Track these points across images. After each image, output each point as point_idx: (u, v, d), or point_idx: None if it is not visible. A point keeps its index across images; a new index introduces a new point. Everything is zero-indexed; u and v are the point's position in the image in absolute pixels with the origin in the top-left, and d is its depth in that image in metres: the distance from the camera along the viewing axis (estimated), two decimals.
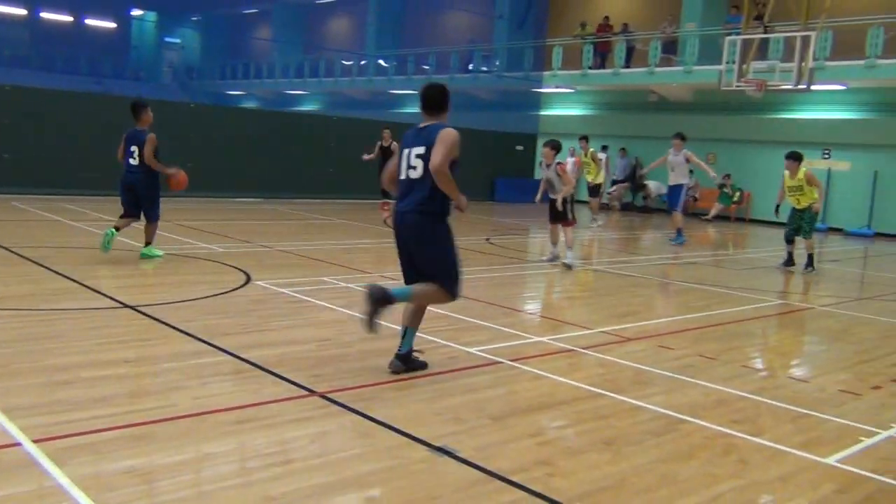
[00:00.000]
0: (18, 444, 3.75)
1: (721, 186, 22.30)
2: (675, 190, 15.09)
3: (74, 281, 7.85)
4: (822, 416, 4.98)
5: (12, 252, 9.34)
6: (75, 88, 22.80)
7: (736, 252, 16.16)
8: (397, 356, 5.39)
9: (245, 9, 44.01)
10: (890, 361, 6.66)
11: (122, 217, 9.57)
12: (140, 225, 9.73)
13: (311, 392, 4.82)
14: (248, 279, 8.51)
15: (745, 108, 21.90)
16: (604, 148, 22.18)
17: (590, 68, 24.93)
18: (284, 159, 20.12)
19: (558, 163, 10.90)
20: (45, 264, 8.62)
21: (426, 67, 31.40)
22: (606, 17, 26.20)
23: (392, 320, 6.91)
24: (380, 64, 33.90)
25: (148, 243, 9.57)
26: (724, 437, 4.49)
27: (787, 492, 3.81)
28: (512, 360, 5.84)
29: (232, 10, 44.04)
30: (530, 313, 8.18)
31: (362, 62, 34.70)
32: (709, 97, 22.45)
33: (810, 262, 12.13)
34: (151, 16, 45.76)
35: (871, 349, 7.12)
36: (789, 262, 12.28)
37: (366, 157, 17.72)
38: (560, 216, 11.05)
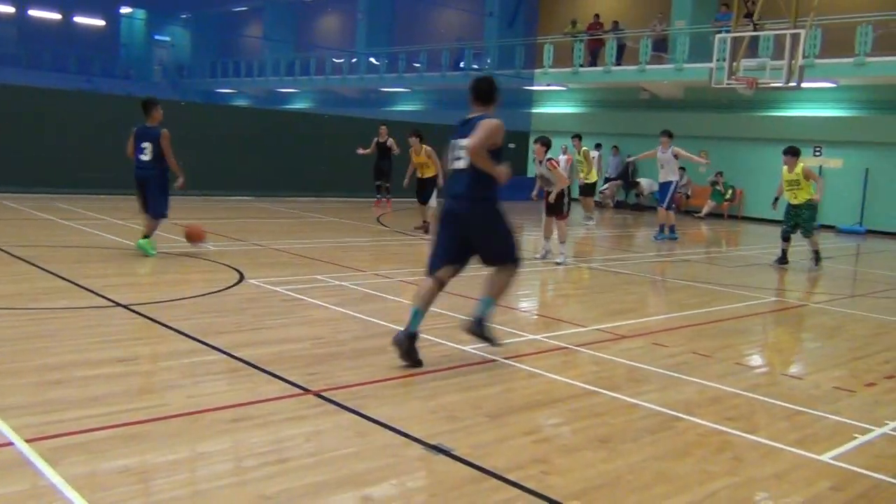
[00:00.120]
0: (11, 444, 3.73)
1: (713, 184, 22.37)
2: (664, 187, 15.29)
3: (67, 280, 7.80)
4: (816, 413, 4.99)
5: (4, 251, 9.28)
6: (65, 87, 22.71)
7: (729, 249, 16.20)
8: (472, 317, 5.76)
9: (235, 6, 43.86)
10: (883, 358, 6.68)
11: (142, 212, 9.74)
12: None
13: (306, 390, 4.81)
14: (242, 277, 8.48)
15: (737, 106, 21.95)
16: (597, 146, 22.20)
17: (581, 66, 24.96)
18: (276, 157, 20.06)
19: (549, 159, 10.93)
20: (37, 263, 8.57)
21: (417, 65, 31.37)
22: (597, 15, 26.22)
23: (387, 318, 6.90)
24: (371, 62, 33.84)
25: (146, 236, 9.56)
26: (718, 434, 4.50)
27: (782, 489, 3.81)
28: (507, 358, 5.83)
29: (222, 7, 43.87)
30: (525, 311, 8.18)
31: (353, 60, 34.63)
32: (700, 95, 22.49)
33: (817, 259, 12.20)
34: (141, 13, 45.52)
35: (865, 346, 7.14)
36: (783, 259, 12.31)
37: (361, 150, 17.70)
38: (554, 209, 11.12)
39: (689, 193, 23.31)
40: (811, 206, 12.16)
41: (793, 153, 12.08)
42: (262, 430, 4.12)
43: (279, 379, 5.00)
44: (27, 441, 3.76)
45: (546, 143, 11.01)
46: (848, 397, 5.40)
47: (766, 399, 5.22)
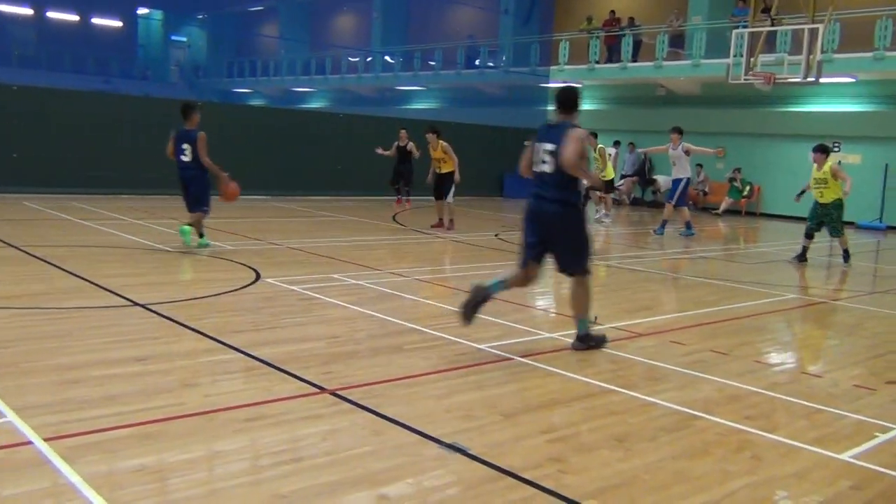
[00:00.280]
0: (30, 443, 3.75)
1: (731, 180, 22.21)
2: (674, 184, 15.21)
3: (85, 280, 7.86)
4: (836, 411, 4.93)
5: (23, 251, 9.36)
6: (83, 88, 22.86)
7: (747, 246, 16.08)
8: (577, 338, 6.10)
9: (251, 6, 44.04)
10: None
11: (188, 210, 10.32)
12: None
13: (322, 389, 4.81)
14: (258, 276, 8.51)
15: (754, 102, 21.79)
16: (615, 143, 22.09)
17: (597, 63, 24.85)
18: (292, 156, 20.11)
19: None
20: (55, 263, 8.64)
21: (432, 63, 31.36)
22: (613, 11, 26.09)
23: (403, 317, 6.90)
24: (386, 60, 33.88)
25: (191, 224, 10.17)
26: (737, 433, 4.46)
27: (802, 488, 3.77)
28: (523, 357, 5.81)
29: (238, 7, 44.08)
30: (541, 309, 8.16)
31: (368, 59, 34.68)
32: (717, 91, 22.33)
33: (846, 257, 12.10)
34: (158, 14, 45.82)
35: (885, 343, 7.06)
36: (802, 256, 12.18)
37: (380, 151, 17.70)
38: None
39: (706, 190, 23.18)
40: (839, 206, 11.97)
41: (822, 150, 11.88)
42: (277, 429, 4.13)
43: (295, 378, 5.01)
44: (45, 440, 3.78)
45: None
46: (868, 395, 5.34)
47: (785, 397, 5.17)
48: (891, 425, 4.69)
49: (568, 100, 6.00)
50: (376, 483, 3.56)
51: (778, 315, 8.38)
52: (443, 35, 32.91)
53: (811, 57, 15.49)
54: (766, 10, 16.83)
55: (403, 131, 17.57)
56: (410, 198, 18.22)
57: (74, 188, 16.53)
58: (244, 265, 9.17)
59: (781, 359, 6.64)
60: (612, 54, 24.87)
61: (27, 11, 38.70)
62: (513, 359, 5.76)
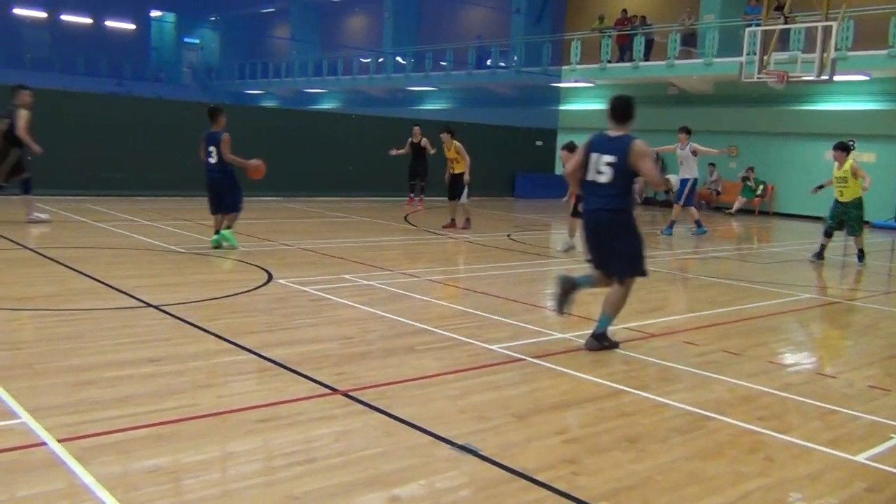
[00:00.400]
0: (44, 444, 3.78)
1: (744, 180, 22.10)
2: (682, 183, 15.17)
3: (98, 281, 7.90)
4: (850, 412, 4.90)
5: (37, 253, 9.43)
6: (96, 90, 22.98)
7: (760, 246, 16.00)
8: (593, 335, 6.13)
9: (263, 8, 44.21)
10: None
11: (213, 214, 10.58)
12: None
13: (335, 390, 4.82)
14: (270, 277, 8.54)
15: (768, 100, 21.66)
16: None
17: (609, 62, 24.78)
18: (304, 157, 20.13)
19: None
20: (69, 264, 8.69)
21: (444, 64, 31.37)
22: (625, 10, 26.03)
23: (414, 318, 6.90)
24: (397, 61, 33.92)
25: (228, 227, 10.43)
26: (750, 434, 4.43)
27: (816, 490, 3.75)
28: (535, 358, 5.80)
29: (250, 9, 44.27)
30: (553, 309, 8.12)
31: (380, 59, 34.74)
32: (730, 89, 22.21)
33: (861, 256, 12.00)
34: (170, 17, 46.09)
35: None
36: (820, 255, 12.08)
37: (394, 152, 17.72)
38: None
39: (719, 189, 23.07)
40: (859, 205, 11.85)
41: (842, 148, 11.76)
42: (290, 430, 4.14)
43: (307, 379, 5.02)
44: (60, 441, 3.80)
45: (571, 149, 10.98)
46: (883, 396, 5.30)
47: (798, 398, 5.14)
48: None
49: (622, 110, 6.01)
50: (389, 484, 3.56)
51: (791, 315, 8.33)
52: (454, 35, 32.93)
53: (825, 55, 15.38)
54: (780, 8, 16.73)
55: (417, 127, 17.59)
56: (423, 197, 18.23)
57: (87, 190, 16.62)
58: (256, 266, 9.20)
59: (795, 359, 6.60)
60: (624, 53, 24.81)
61: (41, 14, 38.98)
62: (525, 359, 5.75)
